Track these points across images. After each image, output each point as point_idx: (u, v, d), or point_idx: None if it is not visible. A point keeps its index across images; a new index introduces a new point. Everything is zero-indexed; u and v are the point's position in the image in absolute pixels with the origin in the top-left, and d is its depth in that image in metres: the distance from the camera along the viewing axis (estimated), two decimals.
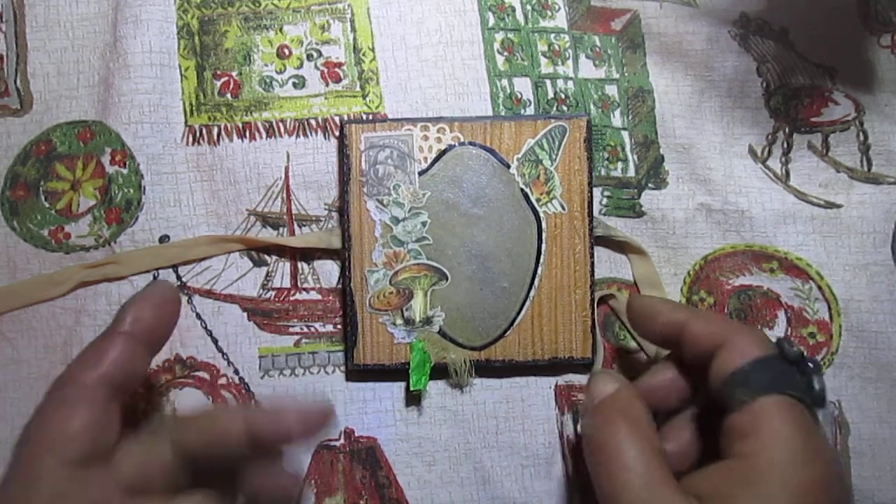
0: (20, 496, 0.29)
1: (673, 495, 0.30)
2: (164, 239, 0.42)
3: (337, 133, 0.43)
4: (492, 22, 0.45)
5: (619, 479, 0.30)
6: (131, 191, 0.42)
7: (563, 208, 0.41)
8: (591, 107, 0.44)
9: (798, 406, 0.31)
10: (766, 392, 0.31)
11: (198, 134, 0.43)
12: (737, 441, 0.31)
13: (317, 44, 0.44)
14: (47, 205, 0.42)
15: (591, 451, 0.33)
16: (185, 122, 0.43)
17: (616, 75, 0.45)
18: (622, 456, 0.31)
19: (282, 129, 0.43)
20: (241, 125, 0.43)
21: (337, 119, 0.43)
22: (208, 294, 0.42)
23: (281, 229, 0.42)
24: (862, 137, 0.44)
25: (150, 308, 0.33)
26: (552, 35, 0.45)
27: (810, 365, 0.33)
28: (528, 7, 0.45)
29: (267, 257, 0.42)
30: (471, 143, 0.41)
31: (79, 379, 0.31)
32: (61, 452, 0.29)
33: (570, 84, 0.44)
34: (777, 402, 0.31)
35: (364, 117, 0.43)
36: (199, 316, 0.42)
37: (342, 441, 0.41)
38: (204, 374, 0.41)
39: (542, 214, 0.41)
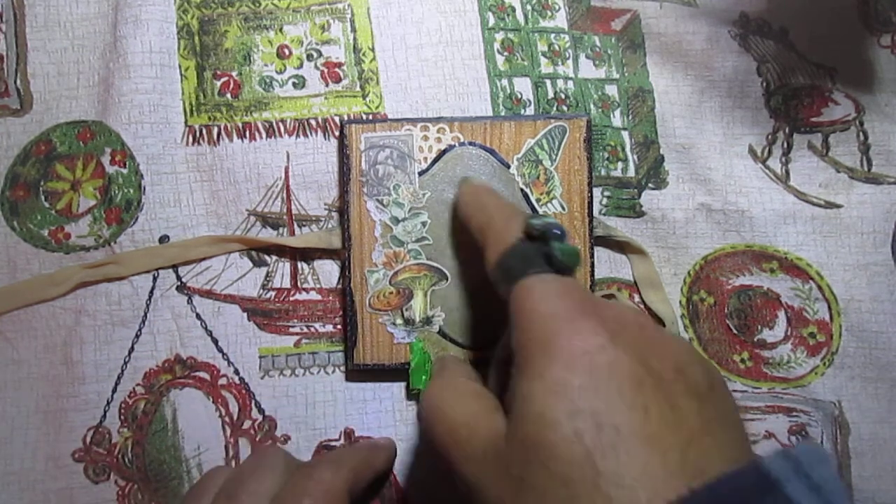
0: None
1: (474, 402, 0.30)
2: (163, 239, 0.42)
3: (337, 133, 0.43)
4: (492, 22, 0.45)
5: (440, 419, 0.30)
6: (131, 191, 0.42)
7: (563, 208, 0.41)
8: (591, 107, 0.44)
9: (547, 278, 0.29)
10: (516, 278, 0.30)
11: (198, 134, 0.43)
12: (512, 336, 0.29)
13: (317, 44, 0.44)
14: (47, 205, 0.42)
15: (422, 419, 0.32)
16: (185, 122, 0.43)
17: (616, 75, 0.45)
18: (441, 403, 0.31)
19: (282, 129, 0.43)
20: (241, 125, 0.43)
21: (337, 119, 0.43)
22: (208, 294, 0.42)
23: (281, 229, 0.42)
24: (862, 137, 0.44)
25: (370, 472, 0.34)
26: (552, 35, 0.45)
27: (556, 232, 0.31)
28: (528, 7, 0.45)
29: (267, 257, 0.42)
30: (471, 144, 0.41)
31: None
32: None
33: (570, 84, 0.44)
34: (524, 283, 0.29)
35: (364, 117, 0.43)
36: (199, 316, 0.42)
37: (342, 441, 0.41)
38: (204, 375, 0.41)
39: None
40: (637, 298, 0.43)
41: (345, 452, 0.35)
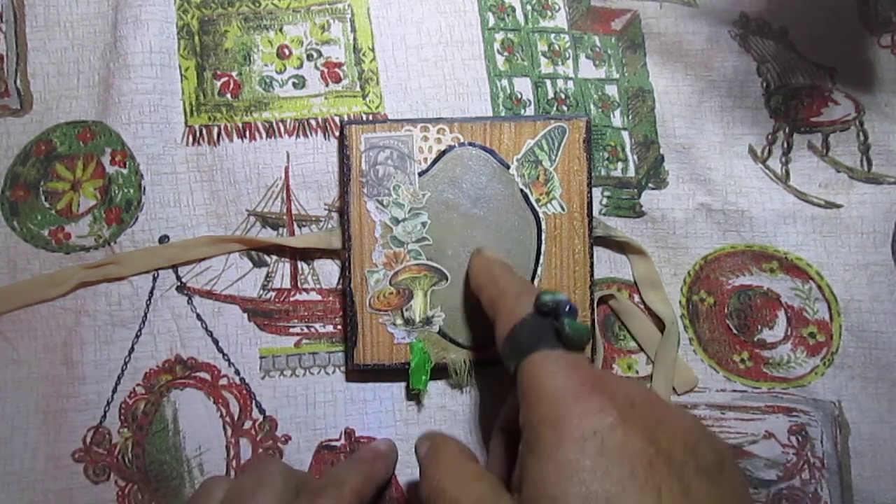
0: None
1: (478, 484, 0.29)
2: (163, 239, 0.42)
3: (337, 133, 0.43)
4: (492, 22, 0.45)
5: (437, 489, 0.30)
6: (131, 191, 0.42)
7: (563, 209, 0.41)
8: (591, 107, 0.44)
9: (556, 355, 0.30)
10: (525, 354, 0.30)
11: (198, 134, 0.43)
12: (521, 413, 0.29)
13: (317, 44, 0.44)
14: (47, 205, 0.42)
15: (423, 499, 0.32)
16: (185, 122, 0.43)
17: (616, 75, 0.45)
18: (443, 487, 0.30)
19: (282, 129, 0.43)
20: (241, 125, 0.43)
21: (337, 119, 0.43)
22: (209, 295, 0.42)
23: (281, 229, 0.42)
24: (862, 137, 0.44)
25: (373, 487, 0.35)
26: (552, 35, 0.45)
27: (566, 309, 0.31)
28: (528, 7, 0.45)
29: (267, 258, 0.42)
30: (471, 144, 0.41)
31: None
32: None
33: (570, 84, 0.44)
34: (533, 359, 0.29)
35: (364, 117, 0.43)
36: (199, 317, 0.42)
37: (343, 441, 0.41)
38: (205, 375, 0.41)
39: (541, 215, 0.41)
40: (637, 298, 0.43)
41: (347, 470, 0.34)
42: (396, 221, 0.41)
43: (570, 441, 0.26)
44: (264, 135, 0.43)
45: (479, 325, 0.41)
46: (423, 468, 0.32)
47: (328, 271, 0.42)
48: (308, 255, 0.42)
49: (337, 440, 0.41)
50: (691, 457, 0.26)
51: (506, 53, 0.44)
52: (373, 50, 0.44)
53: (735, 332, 0.43)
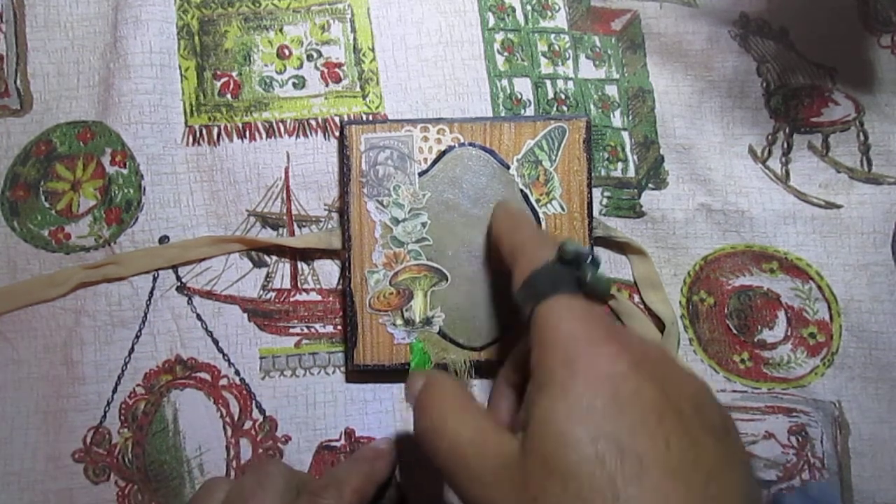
0: None
1: (478, 419, 0.29)
2: (163, 239, 0.42)
3: (337, 133, 0.43)
4: (492, 22, 0.45)
5: (442, 437, 0.29)
6: (131, 191, 0.42)
7: (563, 209, 0.41)
8: (591, 107, 0.44)
9: (575, 301, 0.29)
10: (543, 297, 0.30)
11: (198, 134, 0.43)
12: (532, 354, 0.29)
13: (317, 44, 0.44)
14: (47, 205, 0.42)
15: (419, 434, 0.31)
16: (185, 122, 0.43)
17: (616, 75, 0.45)
18: (442, 421, 0.30)
19: (282, 130, 0.43)
20: (241, 125, 0.43)
21: (337, 119, 0.43)
22: (209, 295, 0.42)
23: (281, 230, 0.42)
24: (862, 137, 0.44)
25: (373, 487, 0.35)
26: (552, 35, 0.45)
27: (588, 259, 0.31)
28: (528, 7, 0.45)
29: (267, 258, 0.42)
30: (471, 144, 0.41)
31: None
32: None
33: (570, 84, 0.44)
34: (550, 303, 0.29)
35: (364, 118, 0.43)
36: (199, 317, 0.42)
37: (343, 441, 0.41)
38: (205, 375, 0.41)
39: (541, 215, 0.41)
40: (637, 299, 0.43)
41: (347, 470, 0.34)
42: (396, 221, 0.41)
43: (584, 382, 0.26)
44: (264, 135, 0.43)
45: (479, 326, 0.41)
46: (420, 403, 0.32)
47: (328, 271, 0.42)
48: (308, 255, 0.42)
49: (337, 440, 0.41)
50: (699, 415, 0.26)
51: (506, 53, 0.44)
52: (373, 50, 0.44)
53: (735, 332, 0.43)
